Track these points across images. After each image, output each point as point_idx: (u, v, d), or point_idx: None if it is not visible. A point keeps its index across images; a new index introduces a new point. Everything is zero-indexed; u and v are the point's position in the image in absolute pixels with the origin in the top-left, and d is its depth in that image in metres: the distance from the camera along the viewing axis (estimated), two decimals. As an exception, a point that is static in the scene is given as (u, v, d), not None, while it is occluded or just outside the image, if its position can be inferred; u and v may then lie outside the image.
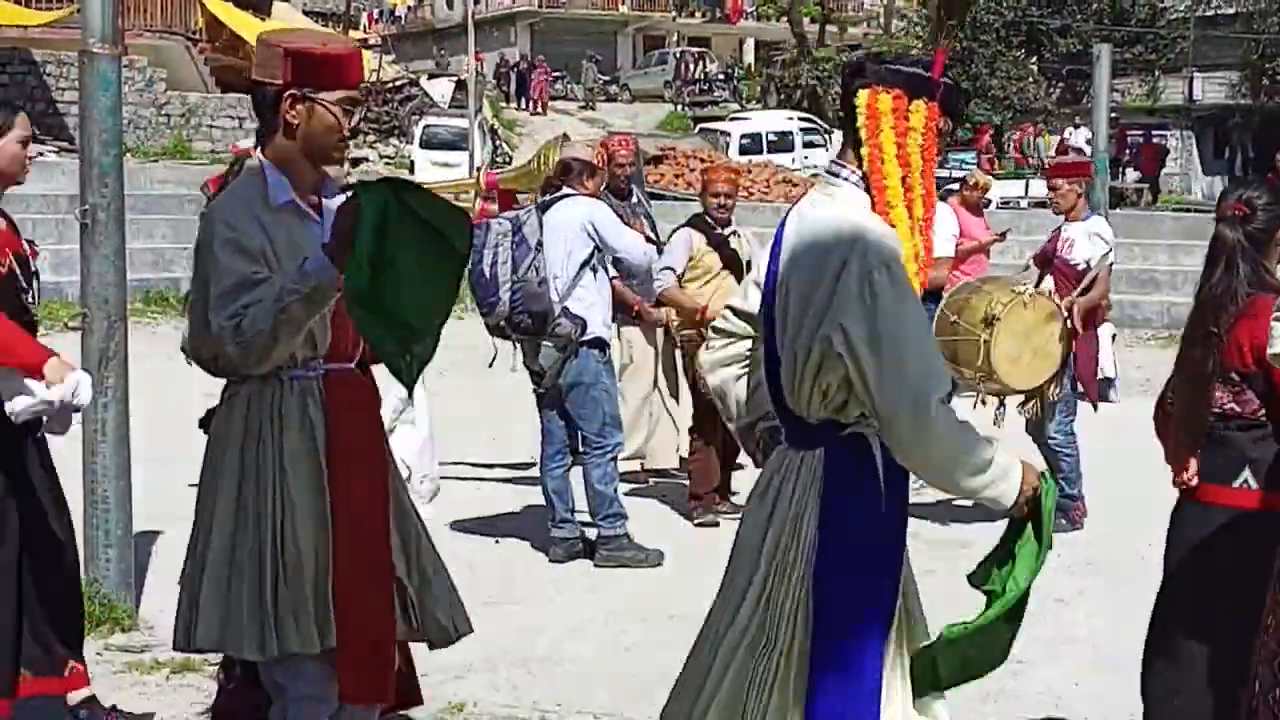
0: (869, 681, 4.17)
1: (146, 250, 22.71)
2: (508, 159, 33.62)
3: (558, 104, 53.68)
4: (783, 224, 4.41)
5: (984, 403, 9.75)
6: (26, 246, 5.83)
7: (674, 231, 10.38)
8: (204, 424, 4.80)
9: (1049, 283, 10.00)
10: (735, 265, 10.09)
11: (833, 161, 4.36)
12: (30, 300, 5.71)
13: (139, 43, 35.39)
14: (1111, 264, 10.12)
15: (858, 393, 4.05)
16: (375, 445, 4.69)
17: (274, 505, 4.35)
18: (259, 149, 4.51)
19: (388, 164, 36.23)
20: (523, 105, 51.87)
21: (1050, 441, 9.96)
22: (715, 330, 4.74)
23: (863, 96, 4.23)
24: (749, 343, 4.62)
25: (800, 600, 4.16)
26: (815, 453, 4.20)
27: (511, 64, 55.29)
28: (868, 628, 4.17)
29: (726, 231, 10.12)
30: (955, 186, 31.46)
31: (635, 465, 11.05)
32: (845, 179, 4.27)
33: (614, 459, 9.06)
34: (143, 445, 8.14)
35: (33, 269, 5.81)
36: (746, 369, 4.63)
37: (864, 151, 4.22)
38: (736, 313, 4.64)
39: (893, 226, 4.16)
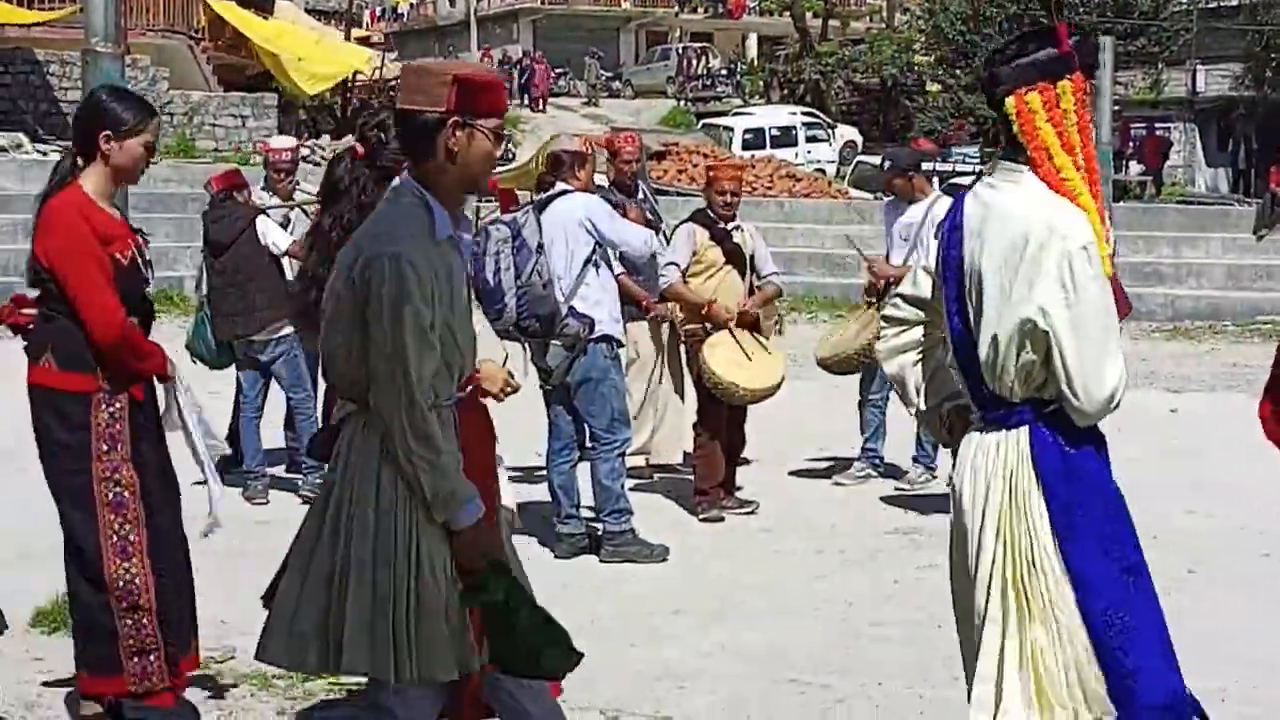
0: (1158, 631, 4.41)
1: (151, 249, 22.71)
2: (511, 155, 33.62)
3: (560, 100, 53.70)
4: (955, 210, 4.50)
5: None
6: (140, 240, 5.99)
7: (677, 226, 10.40)
8: (320, 447, 4.78)
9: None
10: (738, 259, 10.11)
11: (1006, 151, 4.44)
12: (148, 290, 5.92)
13: (142, 42, 35.39)
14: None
15: (1054, 370, 4.22)
16: (494, 469, 4.83)
17: (411, 533, 4.35)
18: (409, 177, 4.50)
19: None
20: (524, 102, 51.87)
21: None
22: (887, 319, 4.81)
23: (1010, 103, 4.33)
24: (922, 329, 4.71)
25: (1053, 577, 4.32)
26: (1017, 432, 4.35)
27: (515, 60, 55.33)
28: (1134, 585, 4.37)
29: (729, 226, 10.13)
30: (959, 180, 31.44)
31: (640, 461, 11.06)
32: (1025, 167, 4.36)
33: (622, 455, 9.06)
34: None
35: (146, 258, 5.99)
36: (922, 354, 4.71)
37: (1029, 155, 4.32)
38: (907, 299, 4.73)
39: (1083, 210, 4.29)
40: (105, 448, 5.71)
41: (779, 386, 9.94)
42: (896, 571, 8.78)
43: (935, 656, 7.09)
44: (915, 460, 10.94)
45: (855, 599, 8.18)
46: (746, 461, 11.05)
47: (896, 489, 10.82)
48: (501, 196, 8.54)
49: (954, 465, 4.59)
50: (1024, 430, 4.34)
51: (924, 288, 4.65)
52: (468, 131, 4.38)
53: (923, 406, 4.74)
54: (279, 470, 11.01)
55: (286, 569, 4.53)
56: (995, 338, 4.28)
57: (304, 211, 10.71)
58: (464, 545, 4.35)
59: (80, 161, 5.75)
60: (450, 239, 4.42)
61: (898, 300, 4.78)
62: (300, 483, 10.56)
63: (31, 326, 5.84)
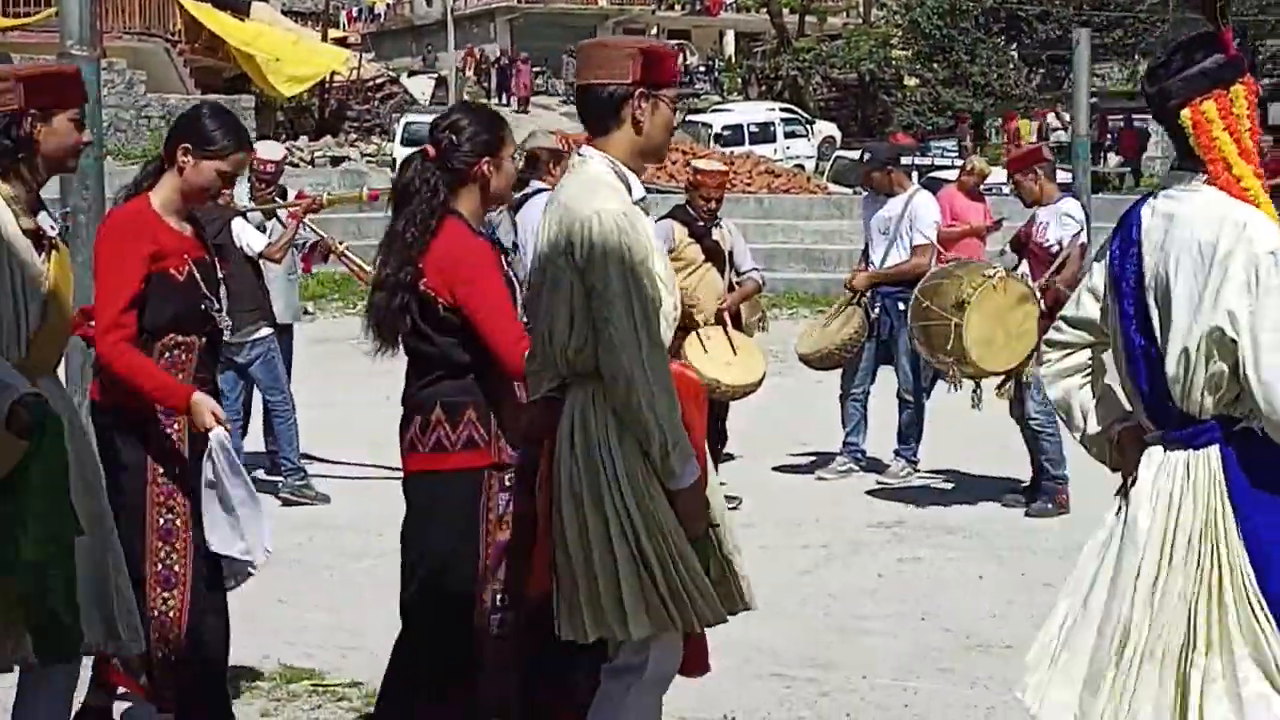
0: None
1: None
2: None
3: (539, 99, 53.60)
4: (1129, 226, 4.40)
5: (959, 386, 9.85)
6: (212, 257, 5.70)
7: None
8: (532, 427, 4.80)
9: (1024, 267, 10.09)
10: (717, 257, 10.11)
11: (1181, 163, 4.37)
12: (216, 310, 5.57)
13: (118, 45, 35.29)
14: (1084, 244, 10.17)
15: (1242, 378, 4.10)
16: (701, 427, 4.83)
17: (655, 496, 4.48)
18: (594, 148, 4.65)
19: (369, 161, 36.17)
20: (504, 101, 51.77)
21: (1031, 422, 10.01)
22: (1050, 343, 4.70)
23: (1186, 115, 4.25)
24: (1089, 351, 4.60)
25: (1258, 606, 4.15)
26: (1206, 452, 4.22)
27: (492, 60, 55.26)
28: None
29: (709, 224, 10.14)
30: (939, 175, 31.48)
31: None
32: (1202, 177, 4.26)
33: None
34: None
35: (217, 276, 5.66)
36: (1088, 378, 4.62)
37: (1207, 166, 4.24)
38: (1071, 322, 4.62)
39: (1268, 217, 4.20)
40: (161, 471, 5.46)
41: (760, 383, 9.95)
42: (880, 565, 8.79)
43: (920, 649, 7.12)
44: (897, 454, 10.96)
45: (838, 593, 8.19)
46: (729, 457, 11.06)
47: (879, 483, 10.84)
48: None
49: (1124, 489, 4.49)
50: (1214, 449, 4.21)
51: (1089, 309, 4.54)
52: (652, 102, 4.60)
53: (1091, 430, 4.62)
54: (260, 473, 11.00)
55: (555, 556, 4.58)
56: (1185, 350, 4.16)
57: (278, 219, 10.67)
58: (693, 502, 4.51)
59: (164, 168, 5.59)
60: (641, 200, 4.60)
61: (1061, 324, 4.65)
62: (280, 485, 10.56)
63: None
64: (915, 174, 33.42)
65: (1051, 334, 4.70)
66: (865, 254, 11.10)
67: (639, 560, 4.45)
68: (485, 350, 5.02)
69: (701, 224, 10.09)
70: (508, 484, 5.06)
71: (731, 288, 10.18)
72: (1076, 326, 4.60)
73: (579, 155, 4.75)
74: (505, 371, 5.02)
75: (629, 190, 4.57)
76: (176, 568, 5.50)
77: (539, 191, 8.92)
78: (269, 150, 11.39)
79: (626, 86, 4.57)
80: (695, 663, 4.88)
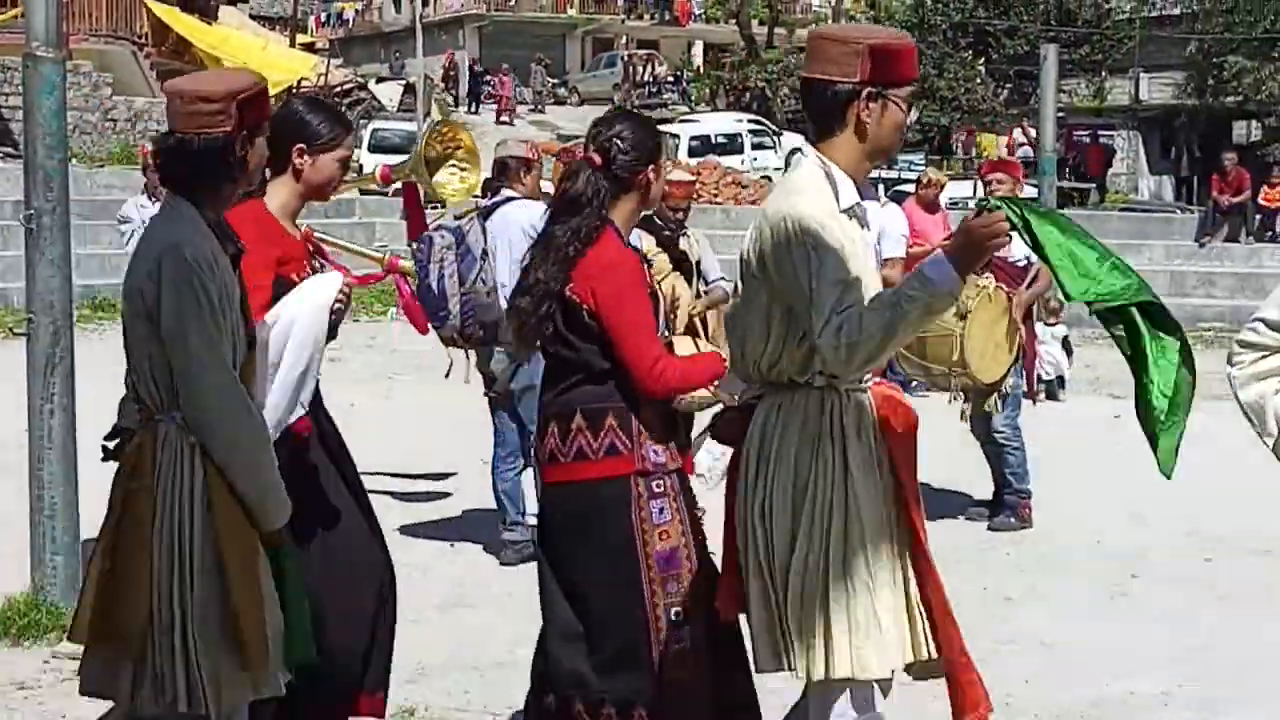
0: None
1: (93, 256, 22.55)
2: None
3: (478, 107, 53.37)
4: None
5: (955, 397, 9.78)
6: (321, 264, 5.52)
7: None
8: (725, 429, 4.71)
9: (989, 280, 10.07)
10: (685, 266, 10.11)
11: None
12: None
13: (84, 47, 35.13)
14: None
15: None
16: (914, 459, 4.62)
17: (841, 519, 4.34)
18: (813, 149, 4.44)
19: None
20: (473, 109, 51.56)
21: (997, 436, 10.02)
22: (1244, 344, 4.60)
23: None
24: None
25: None
26: None
27: (463, 67, 55.06)
28: None
29: (676, 233, 10.14)
30: (906, 189, 31.47)
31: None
32: None
33: (562, 464, 9.03)
34: (89, 452, 8.07)
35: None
36: None
37: None
38: (1269, 324, 4.52)
39: None
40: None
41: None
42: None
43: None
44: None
45: (801, 605, 8.17)
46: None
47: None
48: (406, 190, 8.43)
49: None
50: None
51: None
52: (881, 103, 4.34)
53: None
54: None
55: (749, 575, 4.47)
56: None
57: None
58: None
59: (267, 174, 5.33)
60: (852, 209, 4.36)
61: (1259, 325, 4.54)
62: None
63: None
64: (881, 187, 33.57)
65: (1246, 335, 4.59)
66: None
67: (847, 588, 4.32)
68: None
69: (669, 233, 10.08)
70: (657, 490, 4.98)
71: (699, 297, 10.18)
72: (1275, 329, 4.51)
73: (800, 153, 4.60)
74: (639, 388, 4.94)
75: (838, 196, 4.33)
76: None
77: (509, 200, 8.89)
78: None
79: (853, 85, 4.31)
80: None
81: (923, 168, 39.65)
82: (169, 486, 4.39)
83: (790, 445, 4.36)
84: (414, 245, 8.76)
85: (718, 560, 4.79)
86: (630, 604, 4.92)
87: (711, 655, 4.95)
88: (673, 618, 4.92)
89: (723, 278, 10.45)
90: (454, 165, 8.27)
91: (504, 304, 8.60)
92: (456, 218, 8.92)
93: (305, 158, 5.29)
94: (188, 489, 4.37)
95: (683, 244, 10.15)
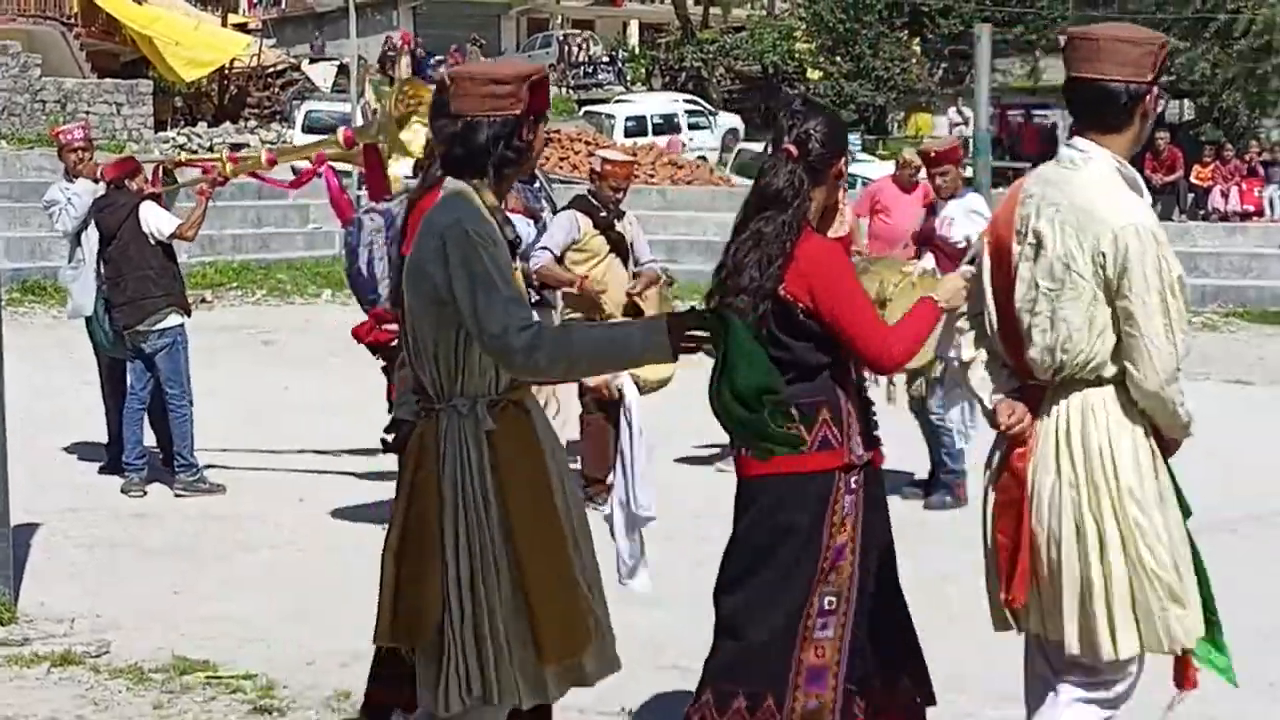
0: None
1: (22, 239, 22.37)
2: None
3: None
4: None
5: (877, 383, 9.81)
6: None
7: (558, 212, 10.33)
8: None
9: (930, 260, 10.09)
10: (621, 248, 10.08)
11: None
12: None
13: (12, 28, 34.82)
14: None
15: None
16: None
17: (1145, 502, 4.59)
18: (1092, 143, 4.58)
19: (269, 148, 35.84)
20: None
21: (932, 417, 10.06)
22: None
23: None
24: None
25: None
26: None
27: (395, 47, 54.73)
28: None
29: (613, 215, 10.11)
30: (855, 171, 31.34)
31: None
32: None
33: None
34: (18, 437, 8.00)
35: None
36: None
37: None
38: None
39: None
40: None
41: (672, 376, 9.92)
42: (780, 557, 8.78)
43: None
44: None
45: (739, 585, 8.17)
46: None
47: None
48: (366, 151, 8.36)
49: None
50: None
51: None
52: (1153, 99, 4.52)
53: None
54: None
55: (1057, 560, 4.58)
56: None
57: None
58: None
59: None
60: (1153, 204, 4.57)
61: None
62: (174, 479, 10.43)
63: (395, 343, 5.33)
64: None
65: None
66: None
67: (1143, 572, 4.50)
68: (839, 351, 4.92)
69: (606, 214, 10.05)
70: (854, 485, 4.96)
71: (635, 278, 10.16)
72: None
73: (1076, 149, 4.67)
74: (873, 369, 4.99)
75: (1140, 190, 4.51)
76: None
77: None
78: (69, 126, 11.78)
79: (1146, 85, 4.49)
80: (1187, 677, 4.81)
81: (858, 148, 39.82)
82: (456, 477, 4.31)
83: (1105, 435, 4.50)
84: (348, 229, 8.73)
85: None
86: (796, 593, 4.94)
87: (850, 657, 4.99)
88: (826, 606, 4.94)
89: (654, 260, 10.41)
90: (417, 122, 8.28)
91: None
92: (386, 200, 8.87)
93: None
94: (475, 478, 4.30)
95: (619, 226, 10.13)
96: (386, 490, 10.32)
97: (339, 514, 9.66)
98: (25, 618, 7.45)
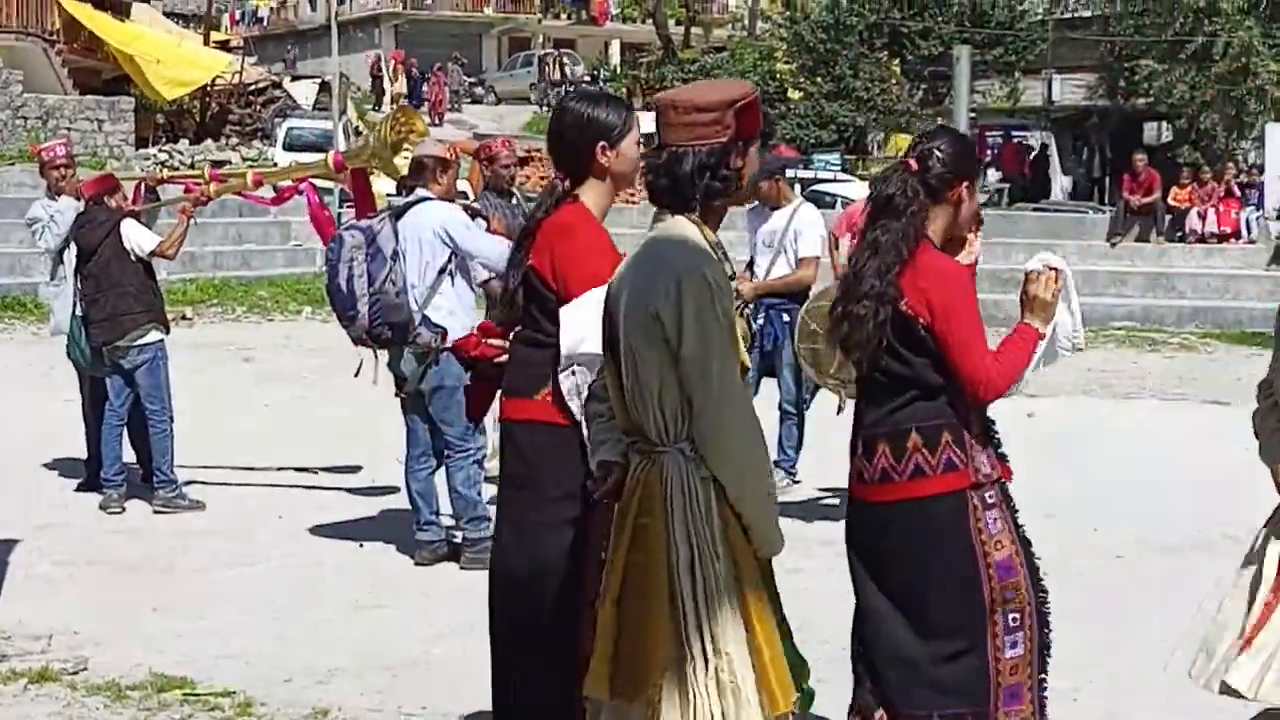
0: None
1: (2, 255, 22.33)
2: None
3: (421, 107, 53.19)
4: None
5: (844, 407, 9.82)
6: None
7: None
8: None
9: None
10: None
11: None
12: None
13: (-7, 44, 34.78)
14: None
15: None
16: None
17: None
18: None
19: (251, 166, 35.83)
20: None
21: None
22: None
23: None
24: None
25: None
26: None
27: (381, 70, 54.67)
28: None
29: None
30: (822, 188, 31.47)
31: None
32: None
33: (477, 462, 9.02)
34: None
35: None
36: None
37: None
38: None
39: None
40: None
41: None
42: (758, 576, 8.79)
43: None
44: (777, 465, 10.96)
45: (717, 603, 8.18)
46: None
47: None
48: (355, 175, 8.39)
49: None
50: None
51: None
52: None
53: None
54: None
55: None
56: None
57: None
58: None
59: (568, 184, 5.13)
60: None
61: None
62: (153, 496, 10.41)
63: (502, 359, 5.26)
64: (799, 187, 33.66)
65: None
66: (750, 266, 11.11)
67: None
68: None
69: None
70: (990, 501, 4.86)
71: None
72: None
73: None
74: (973, 397, 4.81)
75: None
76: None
77: (423, 200, 8.86)
78: (51, 143, 11.83)
79: None
80: None
81: (839, 168, 39.89)
82: (685, 523, 4.21)
83: None
84: (329, 245, 8.77)
85: None
86: (974, 618, 4.83)
87: (1039, 659, 4.93)
88: (1010, 623, 4.85)
89: None
90: (407, 149, 8.32)
91: (414, 305, 8.63)
92: (368, 217, 8.90)
93: (607, 153, 5.08)
94: (704, 525, 4.20)
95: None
96: (364, 507, 10.35)
97: (317, 531, 9.66)
98: (2, 634, 7.44)
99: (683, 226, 4.30)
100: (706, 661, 4.17)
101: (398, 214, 8.77)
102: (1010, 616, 4.85)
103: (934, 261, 4.84)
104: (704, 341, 4.11)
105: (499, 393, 5.26)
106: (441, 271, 8.78)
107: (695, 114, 4.26)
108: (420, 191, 8.92)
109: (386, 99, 49.63)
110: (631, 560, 4.27)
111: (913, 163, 4.94)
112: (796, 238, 10.82)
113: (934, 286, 4.77)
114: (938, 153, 4.93)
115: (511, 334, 5.24)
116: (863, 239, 4.94)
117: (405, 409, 9.02)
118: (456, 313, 8.83)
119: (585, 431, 4.68)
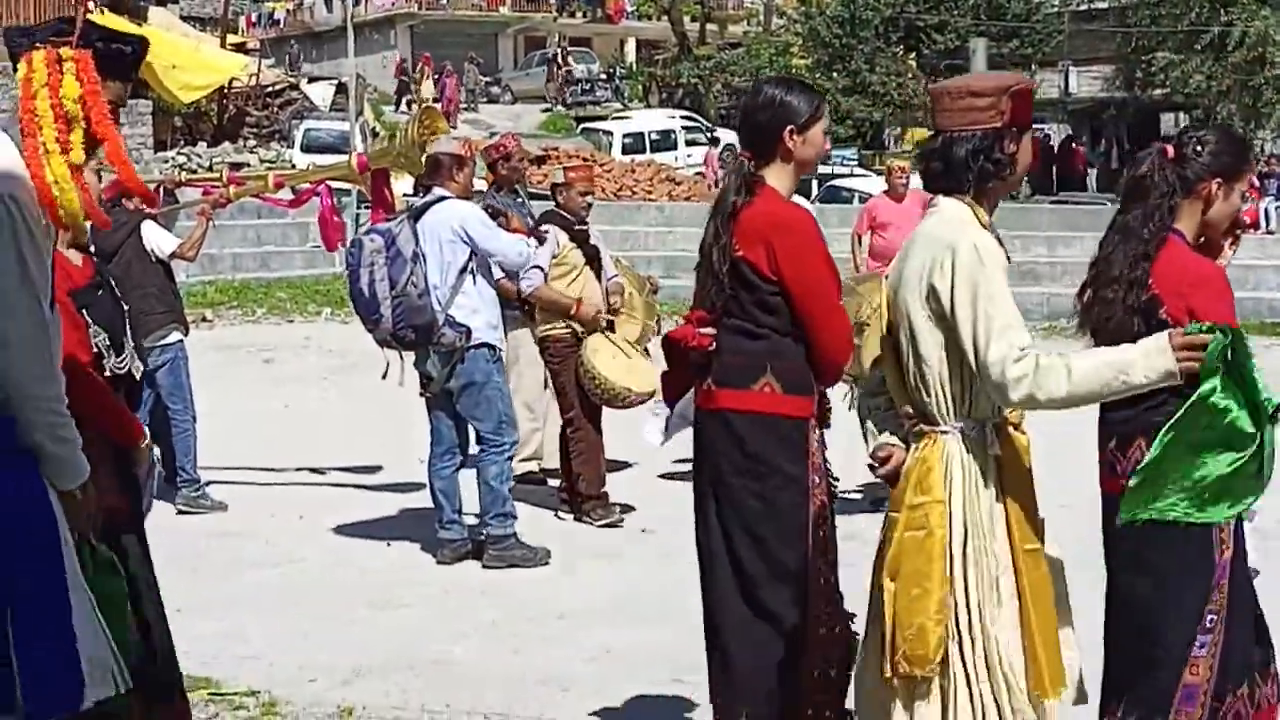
0: None
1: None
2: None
3: (438, 106, 53.16)
4: None
5: (854, 404, 9.82)
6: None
7: (543, 229, 10.25)
8: None
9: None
10: (596, 261, 10.06)
11: None
12: None
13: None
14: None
15: None
16: None
17: None
18: None
19: (269, 167, 35.91)
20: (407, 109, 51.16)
21: None
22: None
23: None
24: None
25: None
26: None
27: (406, 72, 54.65)
28: None
29: (587, 226, 10.09)
30: (839, 184, 31.41)
31: (532, 466, 10.98)
32: None
33: (510, 457, 9.05)
34: None
35: None
36: None
37: None
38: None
39: None
40: (816, 480, 5.03)
41: (658, 389, 9.92)
42: (778, 571, 8.81)
43: (817, 654, 7.14)
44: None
45: (738, 599, 8.20)
46: (625, 465, 11.07)
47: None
48: (375, 176, 8.42)
49: None
50: None
51: None
52: None
53: None
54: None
55: None
56: None
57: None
58: None
59: (752, 165, 5.12)
60: None
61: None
62: (176, 495, 10.46)
63: (714, 347, 5.18)
64: (816, 183, 33.66)
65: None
66: None
67: None
68: None
69: (583, 227, 10.03)
70: None
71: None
72: None
73: None
74: None
75: None
76: (834, 581, 5.15)
77: (441, 199, 8.88)
78: None
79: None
80: None
81: (855, 162, 39.90)
82: (962, 503, 4.26)
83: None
84: (349, 250, 8.79)
85: None
86: (1191, 618, 4.64)
87: (1224, 655, 4.73)
88: (1207, 624, 4.68)
89: (615, 275, 10.31)
90: (431, 149, 8.36)
91: (437, 305, 8.64)
92: (387, 220, 8.91)
93: (796, 137, 5.05)
94: (984, 505, 4.26)
95: (592, 238, 10.11)
96: (386, 507, 10.37)
97: (339, 531, 9.69)
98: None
99: (956, 208, 4.39)
100: (974, 642, 4.22)
101: (416, 215, 8.79)
102: (1209, 617, 4.68)
103: (1177, 255, 4.69)
104: (973, 313, 4.20)
105: (706, 381, 5.19)
106: (463, 270, 8.80)
107: (970, 99, 4.36)
108: (438, 190, 8.93)
109: (414, 101, 49.66)
110: (908, 539, 4.33)
111: (1169, 149, 4.85)
112: None
113: (1178, 277, 4.63)
114: (1198, 144, 4.80)
115: (719, 322, 5.17)
116: (1112, 224, 4.87)
117: (430, 407, 9.04)
118: (480, 310, 8.86)
119: (862, 425, 4.72)
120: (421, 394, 9.05)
